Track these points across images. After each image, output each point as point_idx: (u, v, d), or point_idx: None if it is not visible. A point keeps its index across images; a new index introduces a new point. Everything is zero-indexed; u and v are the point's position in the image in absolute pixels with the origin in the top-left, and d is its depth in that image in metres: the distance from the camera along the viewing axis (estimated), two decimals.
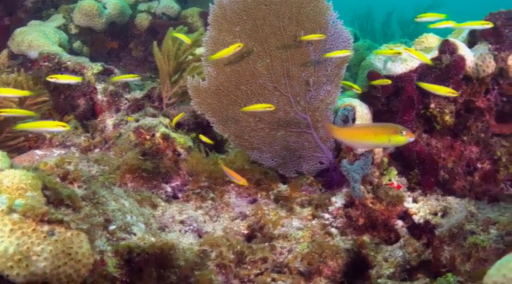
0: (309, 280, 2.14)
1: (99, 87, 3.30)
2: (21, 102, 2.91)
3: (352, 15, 9.89)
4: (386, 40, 7.94)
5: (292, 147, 2.67)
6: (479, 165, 2.66)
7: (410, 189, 2.62)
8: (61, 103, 3.29)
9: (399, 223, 2.46)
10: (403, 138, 2.12)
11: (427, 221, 2.42)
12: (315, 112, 2.62)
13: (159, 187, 2.58)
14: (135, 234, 1.88)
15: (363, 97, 2.78)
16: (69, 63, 3.38)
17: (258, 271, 2.13)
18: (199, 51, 3.09)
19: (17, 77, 3.00)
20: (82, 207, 1.71)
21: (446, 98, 2.58)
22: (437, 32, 2.77)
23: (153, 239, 1.91)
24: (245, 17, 2.51)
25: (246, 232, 2.38)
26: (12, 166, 1.72)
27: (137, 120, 2.87)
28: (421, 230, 2.41)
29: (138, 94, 3.27)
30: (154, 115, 2.97)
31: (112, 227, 1.81)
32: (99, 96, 3.29)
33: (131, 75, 3.09)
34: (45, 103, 3.08)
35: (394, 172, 2.64)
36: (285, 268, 2.17)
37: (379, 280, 2.18)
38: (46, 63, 3.38)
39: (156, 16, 4.90)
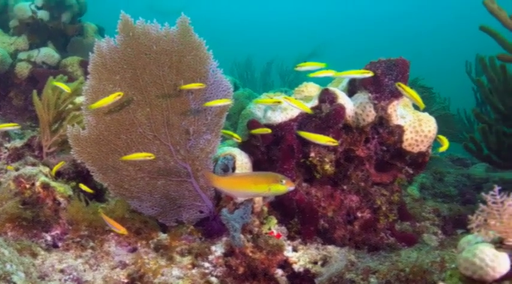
0: None
1: None
2: None
3: (232, 64, 10.19)
4: (266, 89, 8.15)
5: (173, 196, 2.66)
6: (359, 214, 2.71)
7: (291, 237, 2.64)
8: None
9: (279, 272, 2.46)
10: (283, 187, 2.14)
11: (307, 270, 2.43)
12: (195, 161, 2.62)
13: (39, 236, 2.52)
14: (15, 283, 1.88)
15: (243, 146, 2.81)
16: None
17: None
18: (80, 100, 3.06)
19: None
20: None
21: (326, 147, 2.61)
22: (317, 80, 2.82)
23: None
24: (125, 66, 2.50)
25: (126, 281, 2.34)
26: None
27: (17, 169, 2.81)
28: (301, 279, 2.42)
29: (18, 143, 3.21)
30: (34, 164, 2.92)
31: None
32: None
33: (11, 124, 3.00)
34: None
35: (274, 221, 2.65)
36: None
37: None
38: None
39: (36, 65, 4.90)
